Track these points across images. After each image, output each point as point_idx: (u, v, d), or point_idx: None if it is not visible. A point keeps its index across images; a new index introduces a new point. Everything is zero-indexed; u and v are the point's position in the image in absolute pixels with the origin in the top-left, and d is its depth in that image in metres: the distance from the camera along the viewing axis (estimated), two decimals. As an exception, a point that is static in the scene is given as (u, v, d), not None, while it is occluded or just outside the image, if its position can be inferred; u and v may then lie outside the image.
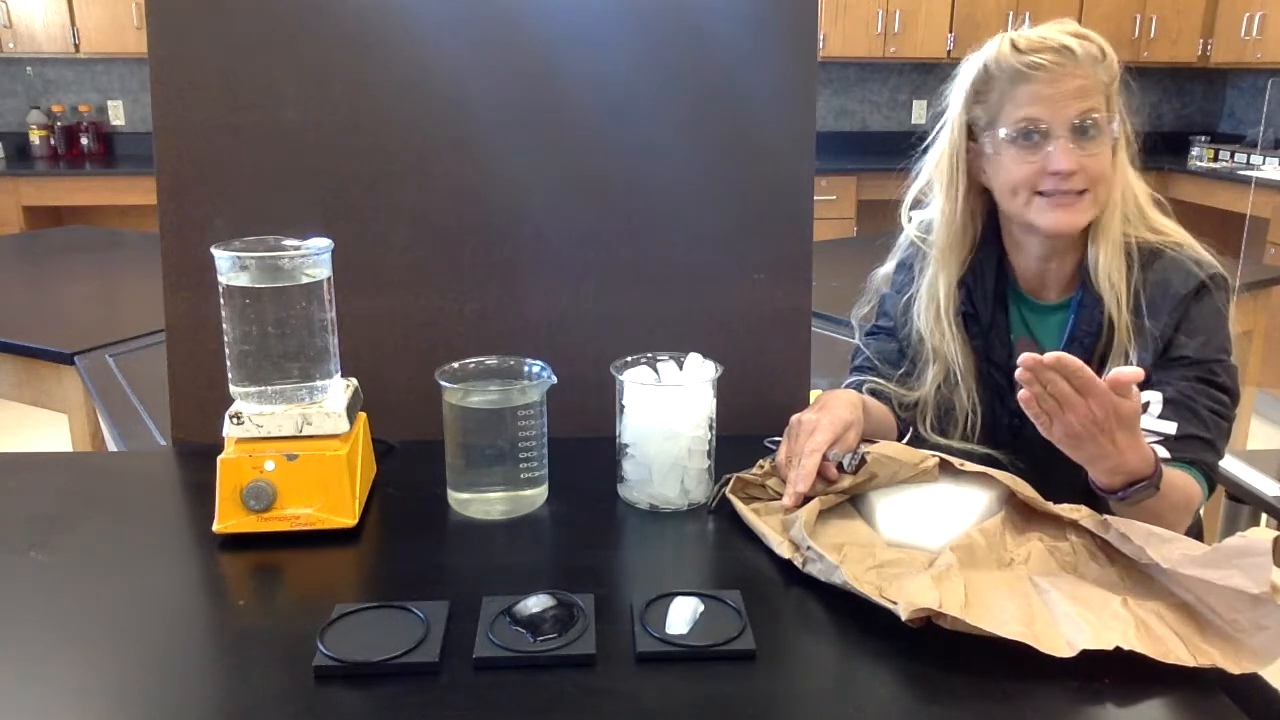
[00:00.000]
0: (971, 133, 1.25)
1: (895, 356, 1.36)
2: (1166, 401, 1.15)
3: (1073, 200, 1.17)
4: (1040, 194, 1.18)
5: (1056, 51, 1.15)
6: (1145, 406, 1.14)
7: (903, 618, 0.83)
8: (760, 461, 1.15)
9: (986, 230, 1.30)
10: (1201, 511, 1.28)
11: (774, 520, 1.04)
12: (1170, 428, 1.14)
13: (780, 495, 1.09)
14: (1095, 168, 1.16)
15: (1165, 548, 0.86)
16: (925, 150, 1.31)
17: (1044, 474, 1.07)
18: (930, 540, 0.98)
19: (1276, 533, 0.82)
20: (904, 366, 1.35)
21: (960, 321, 1.29)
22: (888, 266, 1.42)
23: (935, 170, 1.29)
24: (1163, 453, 1.12)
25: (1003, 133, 1.19)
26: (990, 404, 1.31)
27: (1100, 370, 1.21)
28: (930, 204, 1.32)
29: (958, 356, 1.29)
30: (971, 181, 1.26)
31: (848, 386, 1.34)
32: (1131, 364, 1.17)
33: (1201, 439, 1.14)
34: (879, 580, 0.91)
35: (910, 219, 1.37)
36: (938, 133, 1.28)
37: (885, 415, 1.31)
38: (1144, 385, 1.15)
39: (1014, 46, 1.17)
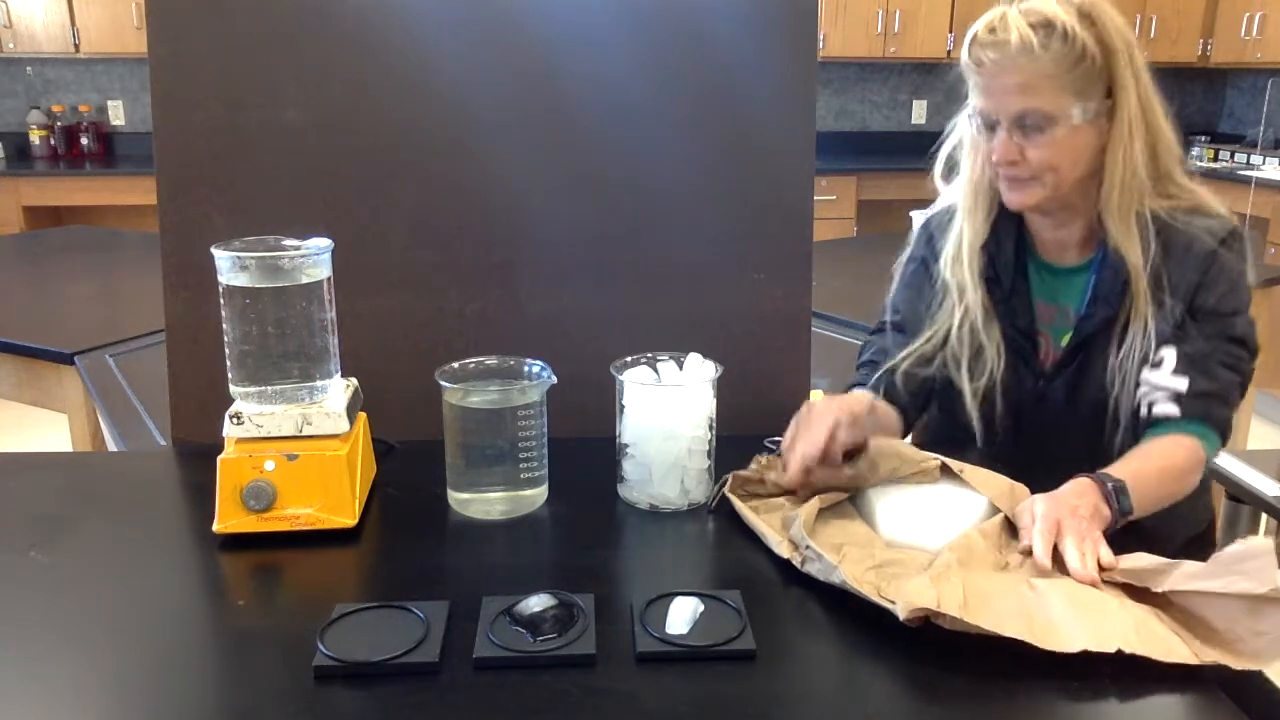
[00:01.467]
0: None
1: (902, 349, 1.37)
2: (1181, 357, 1.17)
3: (1022, 184, 1.21)
4: (1000, 175, 1.23)
5: (996, 47, 1.16)
6: (1160, 363, 1.17)
7: (901, 618, 0.82)
8: (757, 457, 1.15)
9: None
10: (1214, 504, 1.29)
11: (773, 519, 1.04)
12: (1182, 384, 1.16)
13: (779, 491, 1.09)
14: (1040, 158, 1.18)
15: (1160, 577, 0.86)
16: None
17: (1050, 467, 1.07)
18: (930, 541, 0.98)
19: (1274, 540, 0.83)
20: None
21: (985, 286, 1.31)
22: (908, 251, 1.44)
23: (962, 130, 1.31)
24: (1173, 409, 1.15)
25: (971, 114, 1.23)
26: (1015, 366, 1.32)
27: (1123, 334, 1.21)
28: (961, 163, 1.34)
29: (980, 306, 1.30)
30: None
31: (853, 385, 1.34)
32: (1150, 334, 1.19)
33: (1212, 394, 1.16)
34: (878, 580, 0.91)
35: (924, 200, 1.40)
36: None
37: (891, 419, 1.32)
38: (1161, 341, 1.18)
39: (974, 35, 1.19)
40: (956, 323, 1.31)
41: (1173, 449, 1.11)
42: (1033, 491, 1.03)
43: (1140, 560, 0.89)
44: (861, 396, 1.20)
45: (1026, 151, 1.18)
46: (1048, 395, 1.22)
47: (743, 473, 1.12)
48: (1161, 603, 0.86)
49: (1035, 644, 0.79)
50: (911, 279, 1.38)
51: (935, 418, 1.39)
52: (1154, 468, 1.11)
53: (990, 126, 1.20)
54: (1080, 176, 1.20)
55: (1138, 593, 0.88)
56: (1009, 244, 1.30)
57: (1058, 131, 1.17)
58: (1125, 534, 1.14)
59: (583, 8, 1.29)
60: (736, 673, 0.81)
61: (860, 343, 1.45)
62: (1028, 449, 1.29)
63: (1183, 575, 0.84)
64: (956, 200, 1.34)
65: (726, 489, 1.11)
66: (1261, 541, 0.80)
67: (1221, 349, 1.17)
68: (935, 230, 1.36)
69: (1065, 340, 1.26)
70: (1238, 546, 0.81)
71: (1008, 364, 1.30)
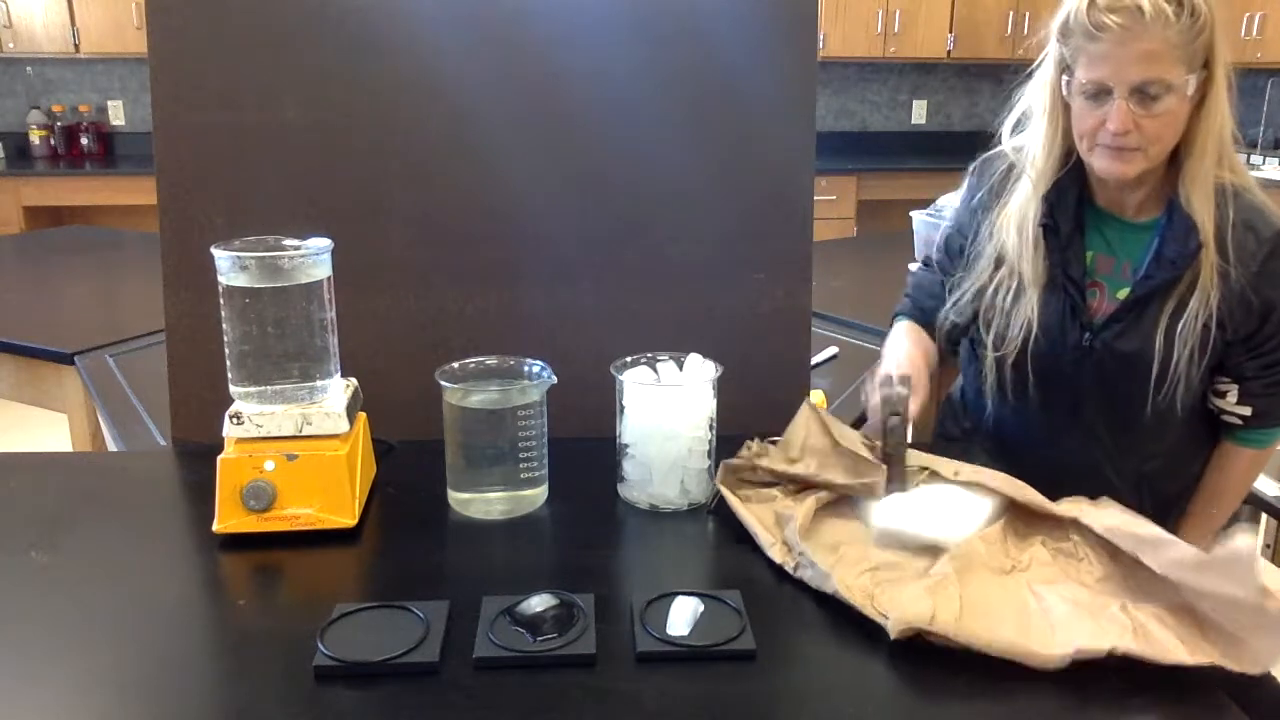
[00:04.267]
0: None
1: (936, 289, 1.45)
2: (1244, 394, 1.31)
3: (1127, 155, 1.22)
4: (1099, 145, 1.24)
5: (1127, 13, 1.16)
6: (1225, 394, 1.33)
7: (891, 635, 0.82)
8: (747, 443, 1.14)
9: (1076, 151, 1.34)
10: None
11: (764, 511, 1.04)
12: (1246, 411, 1.31)
13: (771, 479, 1.10)
14: (1152, 128, 1.20)
15: (1158, 553, 0.86)
16: (1029, 75, 1.34)
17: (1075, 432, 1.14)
18: (924, 529, 0.97)
19: (1257, 538, 0.83)
20: (940, 298, 1.43)
21: (1040, 234, 1.33)
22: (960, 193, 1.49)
23: (1034, 96, 1.33)
24: (1239, 422, 1.32)
25: (1076, 81, 1.23)
26: (1063, 315, 1.34)
27: (1184, 303, 1.26)
28: (1029, 128, 1.36)
29: (1031, 270, 1.33)
30: (1066, 106, 1.30)
31: (899, 314, 1.49)
32: (1213, 305, 1.24)
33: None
34: (873, 586, 0.90)
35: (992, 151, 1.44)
36: (1041, 61, 1.31)
37: (930, 349, 1.44)
38: (1237, 361, 1.29)
39: (1092, 2, 1.19)
40: (993, 285, 1.35)
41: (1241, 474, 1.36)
42: (1047, 476, 1.03)
43: (1139, 526, 0.89)
44: (927, 352, 1.36)
45: (1141, 121, 1.19)
46: (1094, 348, 1.28)
47: (733, 461, 1.12)
48: (1167, 596, 0.86)
49: (1026, 662, 0.79)
50: (956, 218, 1.45)
51: (968, 371, 1.47)
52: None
53: (1097, 95, 1.21)
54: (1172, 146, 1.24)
55: (1142, 591, 0.88)
56: (1071, 194, 1.33)
57: (1172, 101, 1.19)
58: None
59: (582, 7, 1.29)
60: (736, 673, 0.81)
61: (862, 345, 1.48)
62: (1057, 409, 1.35)
63: (1174, 562, 0.84)
64: (1018, 149, 1.38)
65: (716, 479, 1.10)
66: (1245, 545, 0.80)
67: None
68: (984, 174, 1.41)
69: (1122, 294, 1.29)
70: (1222, 550, 0.80)
71: (1054, 315, 1.32)
